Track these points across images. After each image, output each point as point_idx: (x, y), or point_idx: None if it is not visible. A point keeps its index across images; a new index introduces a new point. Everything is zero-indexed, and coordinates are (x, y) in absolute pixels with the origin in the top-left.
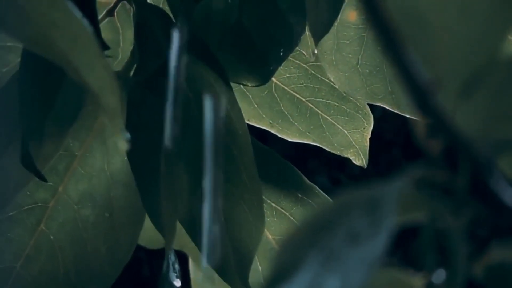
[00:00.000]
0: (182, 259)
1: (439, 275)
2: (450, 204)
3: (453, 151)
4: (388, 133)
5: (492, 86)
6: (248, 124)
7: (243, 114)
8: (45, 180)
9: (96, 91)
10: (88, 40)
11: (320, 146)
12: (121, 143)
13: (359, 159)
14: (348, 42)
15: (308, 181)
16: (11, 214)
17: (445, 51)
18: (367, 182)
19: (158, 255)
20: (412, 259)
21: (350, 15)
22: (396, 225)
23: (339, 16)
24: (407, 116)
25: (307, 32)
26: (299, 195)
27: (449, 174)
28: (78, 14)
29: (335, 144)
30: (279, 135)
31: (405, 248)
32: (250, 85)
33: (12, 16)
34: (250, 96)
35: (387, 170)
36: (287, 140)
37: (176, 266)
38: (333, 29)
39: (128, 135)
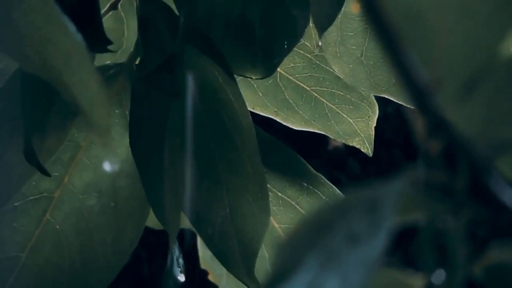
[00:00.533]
0: (191, 236)
1: (439, 276)
2: (449, 205)
3: (453, 151)
4: (388, 133)
5: (491, 86)
6: (251, 114)
7: (248, 103)
8: (48, 175)
9: (86, 110)
10: (81, 56)
11: (325, 134)
12: (107, 163)
13: (365, 148)
14: (352, 34)
15: (313, 170)
16: (16, 204)
17: (445, 52)
18: (367, 182)
19: (158, 255)
20: (411, 260)
21: (354, 7)
22: (396, 226)
23: (342, 8)
24: (411, 107)
25: (311, 24)
26: (305, 184)
27: (448, 175)
28: (72, 28)
29: (340, 133)
30: (284, 123)
31: (405, 249)
32: (254, 77)
33: (7, 33)
34: (255, 85)
35: (387, 170)
36: (287, 139)
37: (180, 260)
38: (337, 21)
39: (115, 157)
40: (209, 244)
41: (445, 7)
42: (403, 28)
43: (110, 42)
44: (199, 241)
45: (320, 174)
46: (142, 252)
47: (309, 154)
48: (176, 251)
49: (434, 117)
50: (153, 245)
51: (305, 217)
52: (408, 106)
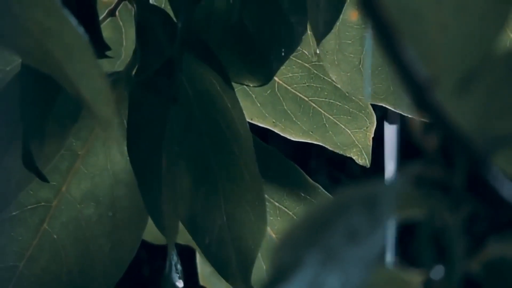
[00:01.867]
0: (190, 253)
1: (437, 272)
2: (448, 201)
3: (451, 147)
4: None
5: (488, 81)
6: (249, 123)
7: (246, 113)
8: (47, 181)
9: (89, 101)
10: (83, 48)
11: (323, 145)
12: (114, 153)
13: (362, 159)
14: (350, 42)
15: (311, 180)
16: (14, 213)
17: (442, 48)
18: (367, 182)
19: (158, 256)
20: (410, 256)
21: (352, 14)
22: (394, 222)
23: (341, 16)
24: (408, 115)
25: (309, 32)
26: (302, 194)
27: (447, 171)
28: (74, 21)
29: (338, 144)
30: (282, 134)
31: (404, 245)
32: (251, 85)
33: (7, 26)
34: (253, 96)
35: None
36: (287, 140)
37: (179, 266)
38: (335, 29)
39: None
40: (206, 252)
41: (441, 3)
42: (400, 25)
43: (108, 48)
44: (198, 258)
45: (317, 184)
46: (142, 253)
47: (309, 154)
48: (174, 257)
49: (432, 112)
50: (153, 246)
51: (304, 215)
52: (406, 114)
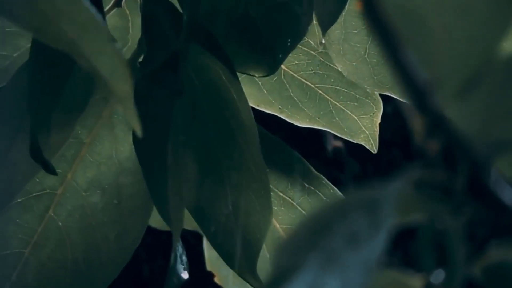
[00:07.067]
0: (198, 238)
1: (438, 276)
2: (449, 204)
3: (452, 151)
4: (388, 133)
5: (490, 85)
6: (255, 111)
7: (253, 100)
8: (54, 173)
9: (106, 78)
10: (97, 28)
11: (330, 131)
12: (137, 129)
13: (370, 144)
14: (355, 31)
15: (315, 171)
16: (20, 200)
17: (443, 51)
18: (367, 182)
19: (158, 255)
20: (411, 260)
21: (357, 4)
22: (395, 226)
23: (346, 6)
24: (409, 106)
25: (315, 22)
26: (306, 185)
27: (448, 174)
28: (86, 2)
29: (345, 130)
30: (288, 120)
31: (404, 249)
32: (257, 75)
33: (21, 6)
34: (260, 82)
35: (387, 170)
36: (287, 139)
37: (184, 258)
38: (340, 19)
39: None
40: (212, 241)
41: (443, 6)
42: (401, 28)
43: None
44: (205, 243)
45: (321, 175)
46: (142, 252)
47: (309, 154)
48: (179, 249)
49: (433, 116)
50: (153, 245)
51: (305, 218)
52: (411, 104)
